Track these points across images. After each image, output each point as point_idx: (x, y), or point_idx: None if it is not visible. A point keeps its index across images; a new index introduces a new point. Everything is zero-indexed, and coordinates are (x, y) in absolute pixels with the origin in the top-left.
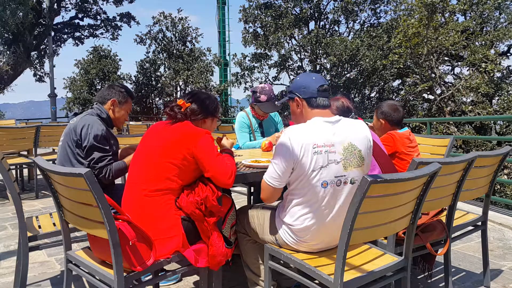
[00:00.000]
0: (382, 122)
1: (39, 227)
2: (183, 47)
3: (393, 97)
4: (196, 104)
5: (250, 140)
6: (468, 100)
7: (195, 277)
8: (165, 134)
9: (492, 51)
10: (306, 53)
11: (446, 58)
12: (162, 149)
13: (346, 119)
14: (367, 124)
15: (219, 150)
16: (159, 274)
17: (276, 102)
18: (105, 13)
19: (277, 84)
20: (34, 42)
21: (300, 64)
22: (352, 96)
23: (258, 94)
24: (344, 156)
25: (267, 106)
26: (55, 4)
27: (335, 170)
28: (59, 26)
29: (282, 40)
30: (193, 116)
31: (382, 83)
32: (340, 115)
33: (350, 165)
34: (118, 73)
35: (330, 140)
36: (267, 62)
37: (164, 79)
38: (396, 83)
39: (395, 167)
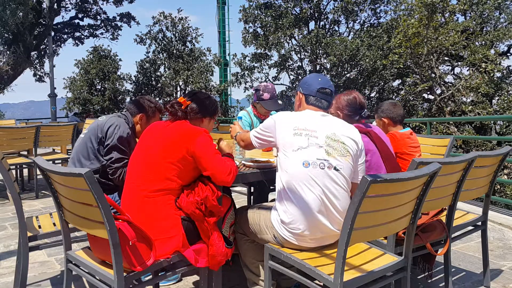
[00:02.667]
0: (385, 121)
1: (39, 227)
2: (183, 47)
3: (393, 97)
4: (196, 103)
5: None
6: (468, 100)
7: (195, 277)
8: (163, 134)
9: (492, 51)
10: (306, 53)
11: (446, 58)
12: (160, 149)
13: (336, 118)
14: (368, 123)
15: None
16: (159, 274)
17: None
18: (105, 13)
19: (277, 84)
20: (34, 42)
21: (300, 64)
22: None
23: (261, 92)
24: (327, 143)
25: (270, 104)
26: (55, 4)
27: (317, 153)
28: (59, 26)
29: (282, 40)
30: (193, 114)
31: (382, 83)
32: (351, 111)
33: (333, 152)
34: (118, 73)
35: (313, 127)
36: (267, 62)
37: (164, 79)
38: (396, 83)
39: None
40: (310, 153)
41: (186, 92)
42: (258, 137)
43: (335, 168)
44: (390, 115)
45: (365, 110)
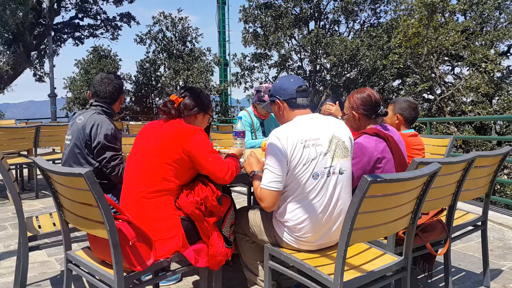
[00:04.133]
0: (399, 118)
1: (39, 227)
2: (183, 47)
3: (393, 97)
4: (189, 98)
5: (252, 139)
6: (468, 100)
7: (195, 277)
8: (158, 134)
9: (492, 51)
10: (306, 53)
11: (446, 58)
12: (156, 150)
13: (326, 116)
14: (383, 124)
15: (222, 154)
16: (159, 274)
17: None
18: (105, 13)
19: None
20: (34, 42)
21: (300, 64)
22: None
23: (262, 94)
24: (330, 148)
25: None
26: (55, 4)
27: (324, 162)
28: (59, 26)
29: (282, 40)
30: (186, 112)
31: (382, 83)
32: (367, 110)
33: (336, 156)
34: (118, 73)
35: (315, 134)
36: (267, 62)
37: (164, 79)
38: (396, 83)
39: None
40: (318, 164)
41: (178, 88)
42: (278, 178)
43: (340, 172)
44: (405, 115)
45: (381, 107)
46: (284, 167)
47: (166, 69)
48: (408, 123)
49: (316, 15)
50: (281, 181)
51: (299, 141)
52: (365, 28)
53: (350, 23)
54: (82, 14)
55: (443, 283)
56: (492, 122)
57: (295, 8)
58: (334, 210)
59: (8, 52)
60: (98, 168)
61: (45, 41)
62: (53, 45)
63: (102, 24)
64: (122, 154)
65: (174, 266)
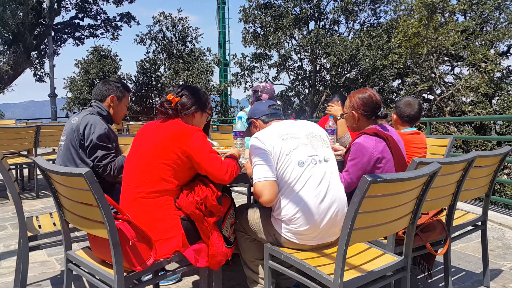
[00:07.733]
0: (394, 117)
1: (39, 227)
2: (183, 47)
3: (393, 97)
4: (186, 97)
5: None
6: (468, 100)
7: (195, 277)
8: (156, 134)
9: (492, 51)
10: (306, 53)
11: (446, 58)
12: (154, 150)
13: (298, 120)
14: (385, 125)
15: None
16: (159, 274)
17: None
18: (105, 13)
19: (277, 84)
20: (34, 42)
21: (300, 64)
22: None
23: (259, 93)
24: (309, 140)
25: None
26: (55, 4)
27: (306, 151)
28: (59, 26)
29: (282, 40)
30: (184, 111)
31: (382, 83)
32: (367, 111)
33: (317, 146)
34: (118, 73)
35: (291, 130)
36: (267, 62)
37: (164, 79)
38: (396, 83)
39: None
40: (300, 153)
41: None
42: (267, 169)
43: (325, 160)
44: (399, 112)
45: (382, 109)
46: (270, 158)
47: (166, 69)
48: (404, 121)
49: (316, 15)
50: (271, 170)
51: (278, 136)
52: (365, 28)
53: (350, 23)
54: (82, 14)
55: (443, 283)
56: (492, 122)
57: (295, 8)
58: (325, 198)
59: (8, 52)
60: (93, 168)
61: (45, 41)
62: (53, 45)
63: (102, 24)
64: (119, 154)
65: (174, 266)
